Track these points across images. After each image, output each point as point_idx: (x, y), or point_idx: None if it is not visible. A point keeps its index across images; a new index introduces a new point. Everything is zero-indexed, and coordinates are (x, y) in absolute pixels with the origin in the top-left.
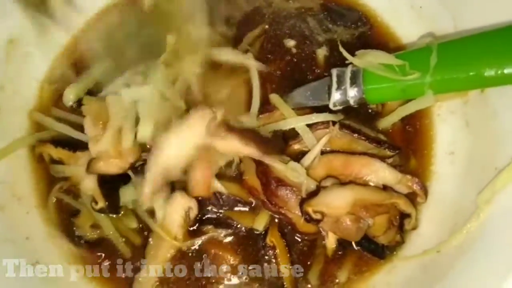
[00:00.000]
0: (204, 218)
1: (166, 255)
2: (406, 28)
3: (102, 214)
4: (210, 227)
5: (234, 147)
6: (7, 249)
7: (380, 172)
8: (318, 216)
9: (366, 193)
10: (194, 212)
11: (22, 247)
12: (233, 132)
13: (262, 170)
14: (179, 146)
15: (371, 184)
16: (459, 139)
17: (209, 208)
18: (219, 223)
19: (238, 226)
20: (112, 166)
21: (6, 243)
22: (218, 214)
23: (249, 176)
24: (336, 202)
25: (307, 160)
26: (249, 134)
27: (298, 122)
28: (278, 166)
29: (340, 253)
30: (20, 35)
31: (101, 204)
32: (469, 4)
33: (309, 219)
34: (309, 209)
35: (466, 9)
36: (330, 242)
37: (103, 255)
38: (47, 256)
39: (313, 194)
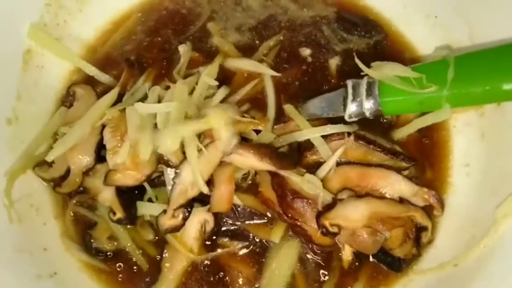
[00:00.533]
0: (219, 230)
1: (182, 268)
2: (421, 38)
3: (119, 225)
4: (225, 239)
5: (250, 162)
6: (25, 260)
7: (396, 185)
8: (335, 229)
9: (382, 206)
10: (210, 225)
11: (40, 258)
12: (248, 149)
13: (278, 182)
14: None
15: (387, 196)
16: (474, 151)
17: (225, 220)
18: (234, 235)
19: (254, 238)
20: (129, 178)
21: (24, 254)
22: (233, 226)
23: (264, 188)
24: (353, 215)
25: (322, 171)
26: (265, 150)
27: (313, 134)
28: (294, 178)
29: (356, 265)
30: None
31: (119, 214)
32: (486, 14)
33: (325, 233)
34: (326, 222)
35: (483, 20)
36: (346, 254)
37: (120, 266)
38: (65, 268)
39: (329, 207)
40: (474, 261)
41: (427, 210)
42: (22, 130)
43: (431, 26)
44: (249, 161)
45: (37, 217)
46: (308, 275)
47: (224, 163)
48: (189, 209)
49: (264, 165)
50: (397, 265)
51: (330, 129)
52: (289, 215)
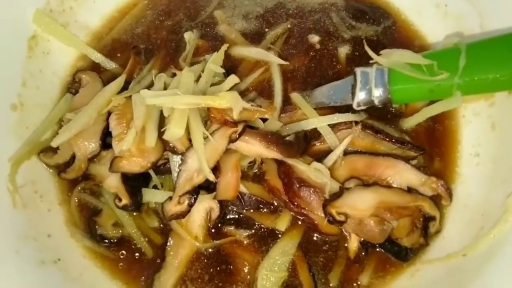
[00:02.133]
0: (225, 218)
1: (186, 256)
2: (432, 26)
3: (125, 212)
4: (231, 228)
5: (257, 150)
6: (29, 246)
7: (404, 174)
8: (341, 218)
9: (390, 195)
10: (215, 213)
11: (44, 244)
12: (255, 136)
13: (285, 170)
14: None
15: (395, 185)
16: (484, 141)
17: (230, 208)
18: (240, 223)
19: (260, 226)
20: (135, 164)
21: (28, 240)
22: (239, 214)
23: (270, 177)
24: (360, 204)
25: (329, 160)
26: (271, 138)
27: (320, 122)
28: (301, 166)
29: (362, 254)
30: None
31: (125, 201)
32: (497, 2)
33: (332, 221)
34: (333, 211)
35: (494, 8)
36: (353, 244)
37: (124, 254)
38: (69, 254)
39: (336, 195)
40: (483, 251)
41: (435, 199)
42: (27, 116)
43: (441, 14)
44: (255, 148)
45: (42, 203)
46: (313, 264)
47: (230, 150)
48: (195, 196)
49: (271, 153)
50: (403, 254)
51: (337, 118)
52: (296, 204)
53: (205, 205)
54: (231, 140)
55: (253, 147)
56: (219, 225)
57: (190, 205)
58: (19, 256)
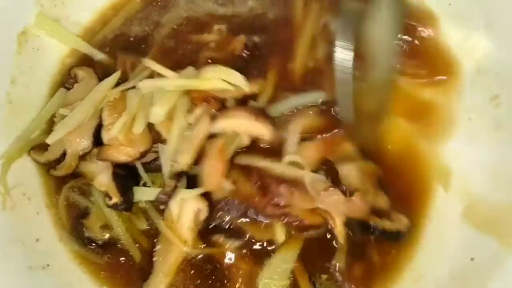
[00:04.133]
0: (216, 227)
1: (176, 261)
2: None
3: (114, 213)
4: (220, 237)
5: (246, 124)
6: (17, 250)
7: None
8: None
9: (363, 165)
10: (204, 214)
11: (32, 249)
12: (242, 109)
13: (258, 173)
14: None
15: None
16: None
17: (219, 215)
18: (230, 233)
19: (251, 238)
20: (123, 154)
21: (16, 245)
22: (229, 224)
23: (241, 186)
24: (352, 176)
25: (290, 147)
26: (260, 110)
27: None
28: (274, 165)
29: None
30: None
31: (116, 199)
32: (502, 1)
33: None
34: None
35: (499, 7)
36: (339, 227)
37: (112, 258)
38: (57, 259)
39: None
40: (491, 256)
41: None
42: (16, 115)
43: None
44: (244, 122)
45: (30, 206)
46: (313, 273)
47: (216, 135)
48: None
49: (261, 127)
50: (395, 235)
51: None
52: (277, 204)
53: (193, 206)
54: (213, 117)
55: (241, 121)
56: (207, 233)
57: (175, 187)
58: (7, 261)
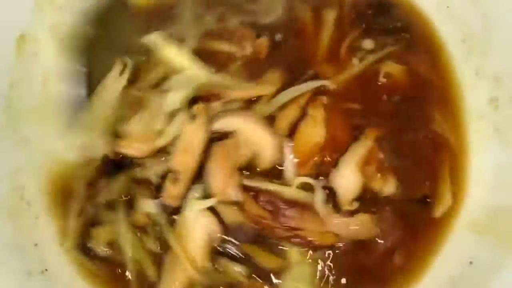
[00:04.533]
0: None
1: (181, 281)
2: None
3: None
4: (229, 263)
5: (246, 128)
6: (15, 256)
7: None
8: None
9: (358, 151)
10: (216, 233)
11: (30, 254)
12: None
13: (267, 197)
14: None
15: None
16: None
17: (227, 239)
18: (238, 259)
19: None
20: (135, 149)
21: (14, 250)
22: (237, 252)
23: (249, 206)
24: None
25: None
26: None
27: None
28: (285, 189)
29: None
30: (32, 31)
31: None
32: (500, 3)
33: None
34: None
35: (497, 9)
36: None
37: (114, 271)
38: (56, 264)
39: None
40: (491, 259)
41: None
42: (15, 119)
43: (442, 16)
44: (247, 127)
45: (29, 211)
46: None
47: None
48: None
49: (263, 135)
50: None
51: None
52: (287, 226)
53: (205, 224)
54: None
55: (244, 125)
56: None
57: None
58: (5, 266)
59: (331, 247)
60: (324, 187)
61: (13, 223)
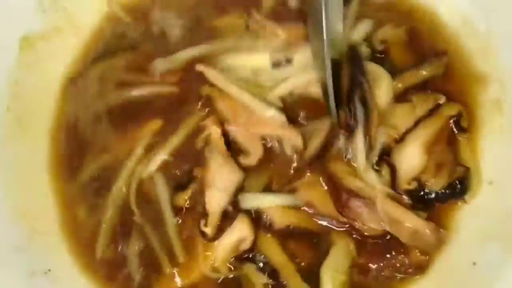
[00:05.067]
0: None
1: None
2: None
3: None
4: (253, 268)
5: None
6: (18, 256)
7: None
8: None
9: (426, 130)
10: (246, 245)
11: (34, 255)
12: None
13: (333, 181)
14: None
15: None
16: None
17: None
18: (264, 268)
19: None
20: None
21: (17, 250)
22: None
23: (305, 190)
24: (411, 163)
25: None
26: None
27: None
28: (351, 179)
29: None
30: (35, 33)
31: (209, 229)
32: (502, 3)
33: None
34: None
35: (499, 8)
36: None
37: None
38: (59, 265)
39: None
40: (494, 260)
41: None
42: (17, 121)
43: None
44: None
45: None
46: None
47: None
48: None
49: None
50: (459, 190)
51: None
52: (345, 215)
53: (239, 231)
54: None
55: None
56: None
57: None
58: (7, 267)
59: (380, 237)
60: (387, 163)
61: (16, 223)
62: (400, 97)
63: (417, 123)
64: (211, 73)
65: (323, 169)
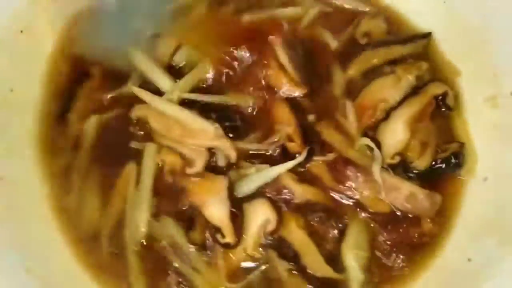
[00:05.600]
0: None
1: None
2: (431, 24)
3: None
4: (275, 254)
5: None
6: (14, 252)
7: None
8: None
9: (408, 109)
10: (271, 226)
11: (30, 251)
12: None
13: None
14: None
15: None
16: None
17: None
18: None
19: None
20: None
21: (13, 246)
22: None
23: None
24: (397, 136)
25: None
26: None
27: None
28: (347, 149)
29: None
30: (31, 26)
31: (229, 239)
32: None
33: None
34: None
35: (496, 4)
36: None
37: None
38: (55, 260)
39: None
40: (489, 256)
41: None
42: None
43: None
44: None
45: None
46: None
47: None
48: None
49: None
50: (453, 164)
51: None
52: (342, 182)
53: (262, 213)
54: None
55: None
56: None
57: None
58: (3, 263)
59: (385, 214)
60: (371, 139)
61: (13, 220)
62: (378, 71)
63: (402, 101)
64: (143, 93)
65: (318, 138)
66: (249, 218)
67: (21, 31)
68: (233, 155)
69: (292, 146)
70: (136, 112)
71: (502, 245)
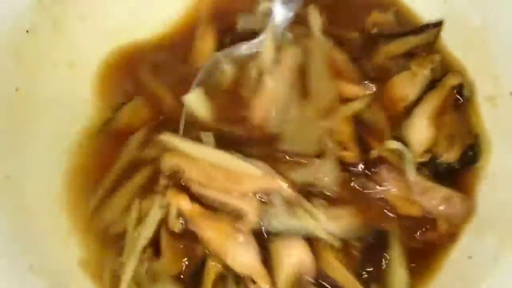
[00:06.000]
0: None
1: None
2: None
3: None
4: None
5: None
6: (16, 250)
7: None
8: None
9: (429, 104)
10: (307, 268)
11: (34, 249)
12: None
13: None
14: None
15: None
16: None
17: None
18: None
19: None
20: None
21: (15, 243)
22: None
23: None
24: (423, 134)
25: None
26: None
27: None
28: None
29: None
30: (38, 27)
31: (264, 283)
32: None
33: None
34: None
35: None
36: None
37: None
38: (58, 259)
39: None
40: (490, 254)
41: None
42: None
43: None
44: None
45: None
46: None
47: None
48: None
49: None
50: (471, 157)
51: None
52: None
53: (295, 254)
54: None
55: None
56: None
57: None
58: (6, 261)
59: (417, 219)
60: (397, 139)
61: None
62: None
63: (421, 96)
64: (176, 141)
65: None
66: (279, 259)
67: (27, 31)
68: (289, 193)
69: (348, 156)
70: (169, 162)
71: (503, 243)
